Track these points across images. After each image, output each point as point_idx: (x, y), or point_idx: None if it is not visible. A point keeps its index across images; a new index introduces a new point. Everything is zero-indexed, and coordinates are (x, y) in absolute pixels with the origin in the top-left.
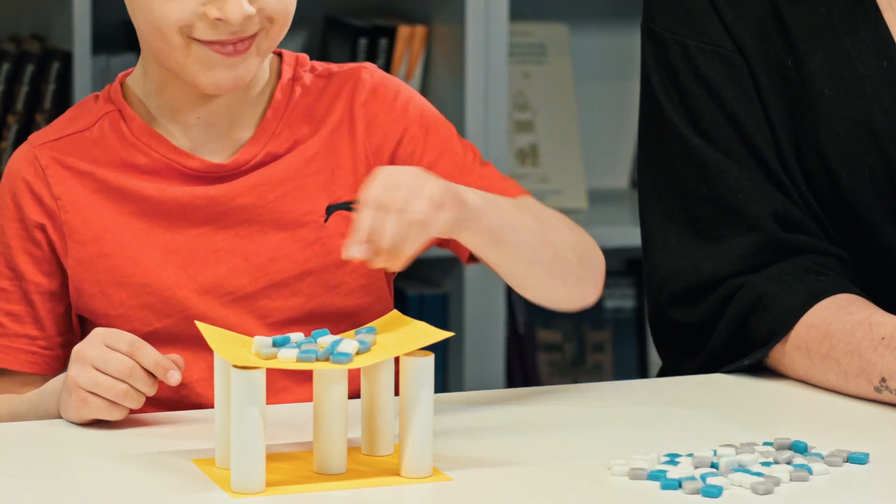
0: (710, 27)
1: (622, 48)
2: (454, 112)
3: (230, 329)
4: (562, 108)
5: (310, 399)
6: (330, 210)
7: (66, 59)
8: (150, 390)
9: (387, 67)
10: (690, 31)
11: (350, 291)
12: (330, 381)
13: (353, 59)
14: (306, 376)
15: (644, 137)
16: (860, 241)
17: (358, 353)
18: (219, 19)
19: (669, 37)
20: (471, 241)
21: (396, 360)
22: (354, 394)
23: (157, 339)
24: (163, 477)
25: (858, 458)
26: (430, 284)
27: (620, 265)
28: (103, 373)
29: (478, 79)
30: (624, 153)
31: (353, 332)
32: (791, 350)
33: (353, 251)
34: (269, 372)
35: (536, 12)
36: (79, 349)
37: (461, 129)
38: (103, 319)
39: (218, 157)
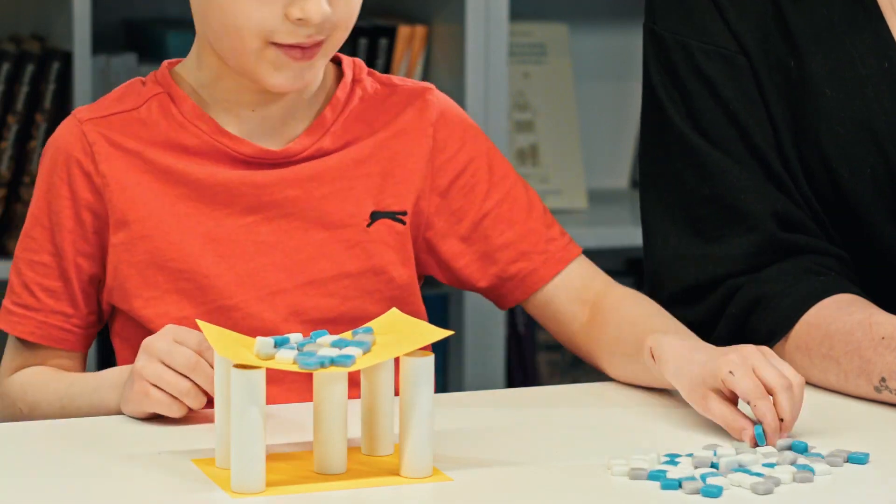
0: (712, 27)
1: (622, 48)
2: None
3: (263, 323)
4: (562, 108)
5: (295, 398)
6: (375, 217)
7: (66, 59)
8: (213, 391)
9: (387, 67)
10: (692, 32)
11: (384, 299)
12: (330, 381)
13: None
14: (293, 377)
15: (645, 137)
16: (861, 241)
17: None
18: (300, 19)
19: (671, 37)
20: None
21: (396, 360)
22: (354, 393)
23: (189, 324)
24: (163, 477)
25: (858, 458)
26: (430, 284)
27: (620, 265)
28: (169, 367)
29: (478, 79)
30: (624, 153)
31: (350, 332)
32: (791, 350)
33: (772, 441)
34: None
35: (536, 12)
36: (148, 341)
37: None
38: (137, 301)
39: (269, 146)
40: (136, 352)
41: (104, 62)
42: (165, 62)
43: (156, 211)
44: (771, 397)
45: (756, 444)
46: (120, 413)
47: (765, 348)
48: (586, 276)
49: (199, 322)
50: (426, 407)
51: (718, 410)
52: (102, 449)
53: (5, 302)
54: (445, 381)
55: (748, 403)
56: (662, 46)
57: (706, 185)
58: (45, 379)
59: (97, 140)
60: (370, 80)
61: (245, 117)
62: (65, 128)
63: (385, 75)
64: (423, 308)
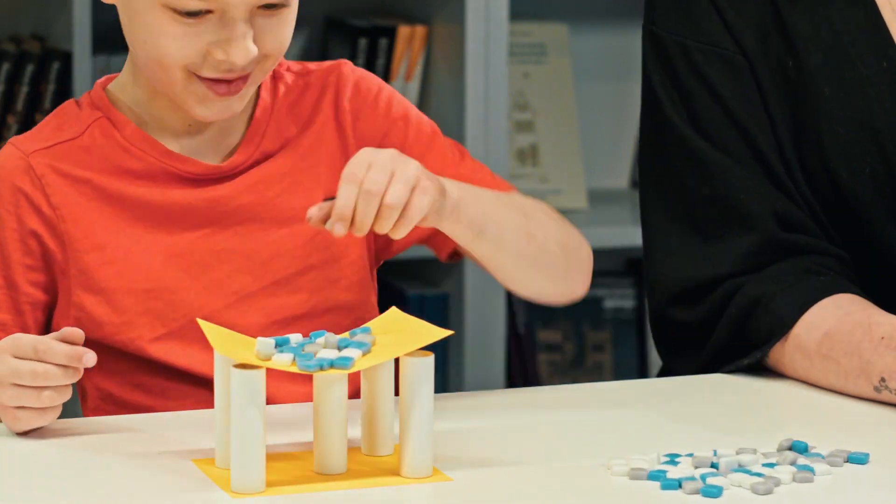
0: (711, 27)
1: (622, 48)
2: (454, 112)
3: (235, 329)
4: (562, 107)
5: (292, 398)
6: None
7: (66, 59)
8: (73, 380)
9: (387, 67)
10: (691, 32)
11: (350, 286)
12: (330, 382)
13: (353, 59)
14: (291, 377)
15: (645, 138)
16: (861, 241)
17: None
18: (223, 61)
19: (670, 38)
20: (452, 231)
21: (396, 360)
22: (354, 394)
23: (165, 342)
24: (163, 477)
25: (858, 459)
26: (430, 284)
27: (620, 265)
28: (20, 386)
29: (478, 79)
30: (624, 153)
31: (347, 333)
32: (791, 350)
33: (336, 228)
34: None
35: (536, 12)
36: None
37: (461, 130)
38: (108, 328)
39: (212, 160)
40: (106, 374)
41: (104, 62)
42: (99, 81)
43: (112, 236)
44: (358, 188)
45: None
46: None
47: (410, 161)
48: None
49: (200, 321)
50: (426, 407)
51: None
52: (102, 449)
53: None
54: (445, 381)
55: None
56: (661, 47)
57: (706, 185)
58: None
59: (46, 172)
60: (289, 74)
61: (183, 132)
62: (7, 160)
63: (301, 65)
64: (373, 287)
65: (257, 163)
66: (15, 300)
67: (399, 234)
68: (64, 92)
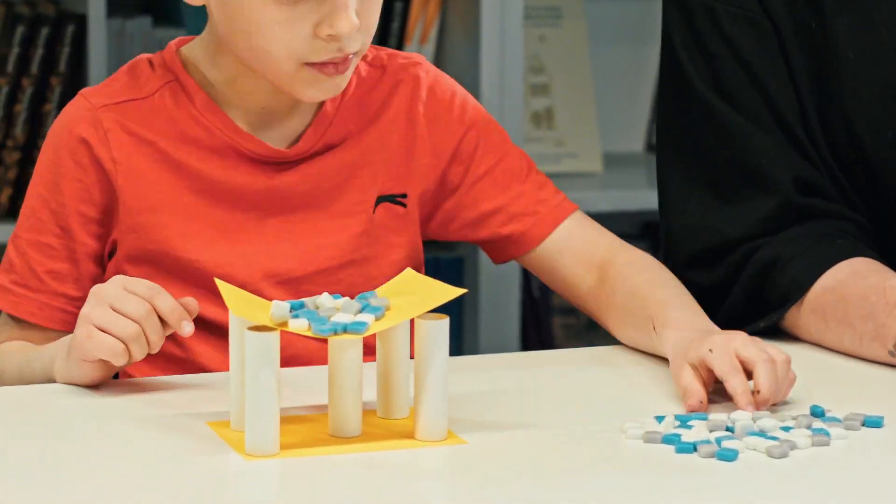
0: None
1: (637, 11)
2: (469, 76)
3: None
4: (577, 71)
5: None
6: (379, 201)
7: (81, 21)
8: (159, 341)
9: (401, 32)
10: None
11: None
12: (344, 346)
13: None
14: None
15: (664, 100)
16: (882, 205)
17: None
18: (330, 35)
19: (691, 1)
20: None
21: (412, 323)
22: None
23: (202, 303)
24: (177, 440)
25: (874, 422)
26: (444, 247)
27: (636, 228)
28: (118, 312)
29: (493, 42)
30: (639, 116)
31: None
32: (807, 313)
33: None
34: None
35: None
36: (97, 288)
37: (476, 94)
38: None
39: (278, 142)
40: None
41: (119, 25)
42: (172, 43)
43: (166, 201)
44: (743, 374)
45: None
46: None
47: (755, 338)
48: (588, 237)
49: (217, 281)
50: (441, 370)
51: (684, 378)
52: (117, 412)
53: (2, 279)
54: (460, 344)
55: (723, 381)
56: (686, 9)
57: (726, 148)
58: (15, 349)
59: (112, 127)
60: (362, 64)
61: (253, 113)
62: (76, 110)
63: (376, 53)
64: None
65: (319, 153)
66: (71, 250)
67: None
68: (79, 55)
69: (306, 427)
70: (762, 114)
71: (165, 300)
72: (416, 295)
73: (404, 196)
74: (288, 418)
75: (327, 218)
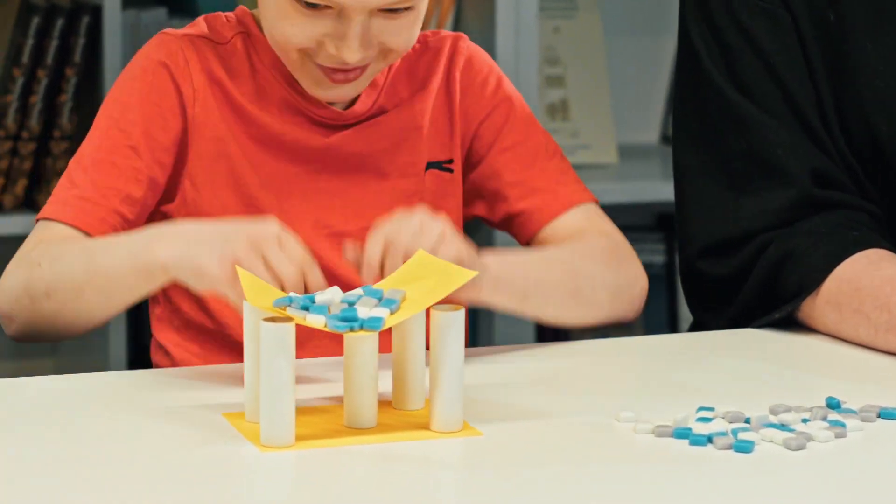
0: None
1: (652, 2)
2: None
3: (322, 261)
4: (592, 62)
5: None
6: (429, 167)
7: (96, 12)
8: (278, 282)
9: None
10: None
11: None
12: (360, 340)
13: None
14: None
15: (681, 91)
16: None
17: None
18: (332, 55)
19: None
20: (493, 302)
21: (427, 314)
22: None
23: None
24: (192, 430)
25: (890, 414)
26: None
27: (650, 220)
28: (271, 269)
29: (508, 34)
30: (654, 108)
31: (360, 289)
32: (822, 304)
33: (365, 276)
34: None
35: None
36: (251, 230)
37: None
38: (205, 214)
39: (337, 103)
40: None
41: (134, 16)
42: (241, 7)
43: (228, 141)
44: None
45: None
46: (168, 275)
47: (436, 221)
48: (586, 222)
49: (238, 269)
50: (456, 361)
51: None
52: (133, 402)
53: (57, 193)
54: (476, 335)
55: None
56: (701, 1)
57: (743, 139)
58: (76, 236)
59: (193, 58)
60: None
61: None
62: (159, 41)
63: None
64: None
65: (372, 116)
66: (136, 169)
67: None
68: (94, 46)
69: (321, 418)
70: (779, 106)
71: (316, 276)
72: (430, 279)
73: (450, 161)
74: (303, 409)
75: (379, 179)
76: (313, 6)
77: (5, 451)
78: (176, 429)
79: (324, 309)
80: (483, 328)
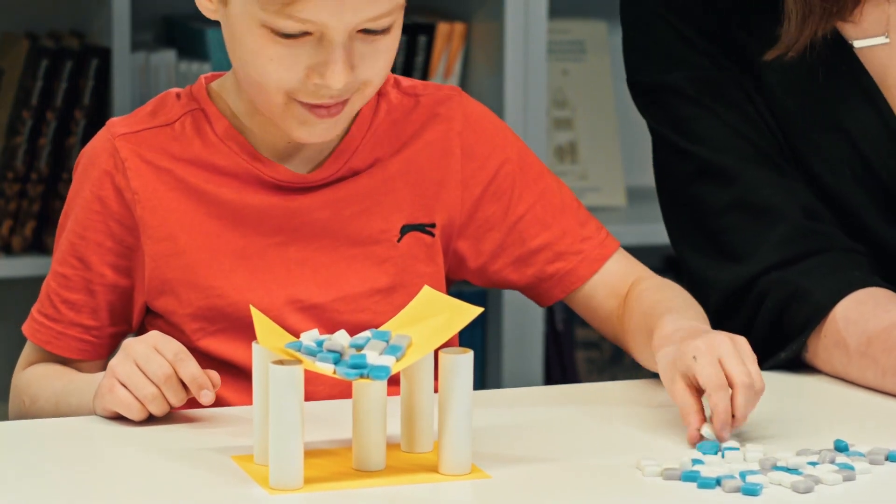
0: (683, 54)
1: None
2: (493, 109)
3: (296, 336)
4: (601, 105)
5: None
6: (405, 230)
7: (105, 55)
8: (178, 402)
9: (426, 65)
10: (665, 66)
11: None
12: (369, 385)
13: None
14: None
15: (659, 178)
16: (862, 240)
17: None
18: (320, 85)
19: (651, 81)
20: None
21: (436, 356)
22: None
23: (224, 336)
24: (202, 473)
25: None
26: (468, 281)
27: (659, 262)
28: (141, 371)
29: (517, 76)
30: None
31: (368, 332)
32: (829, 346)
33: (722, 435)
34: None
35: (575, 10)
36: (128, 342)
37: None
38: (173, 317)
39: (299, 167)
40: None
41: (143, 59)
42: (203, 77)
43: (186, 228)
44: (729, 391)
45: (697, 442)
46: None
47: (739, 338)
48: (623, 271)
49: (253, 309)
50: (465, 404)
51: (679, 395)
52: (142, 444)
53: (33, 308)
54: (484, 377)
55: (707, 394)
56: (647, 92)
57: (726, 192)
58: (49, 374)
59: (129, 156)
60: (395, 92)
61: (278, 139)
62: (98, 140)
63: (411, 83)
64: None
65: (342, 178)
66: (88, 280)
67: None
68: (103, 88)
69: (330, 461)
70: (753, 155)
71: (188, 367)
72: (436, 318)
73: (433, 226)
74: (311, 452)
75: (349, 245)
76: (292, 36)
77: (14, 492)
78: (185, 471)
79: (334, 355)
80: (491, 370)
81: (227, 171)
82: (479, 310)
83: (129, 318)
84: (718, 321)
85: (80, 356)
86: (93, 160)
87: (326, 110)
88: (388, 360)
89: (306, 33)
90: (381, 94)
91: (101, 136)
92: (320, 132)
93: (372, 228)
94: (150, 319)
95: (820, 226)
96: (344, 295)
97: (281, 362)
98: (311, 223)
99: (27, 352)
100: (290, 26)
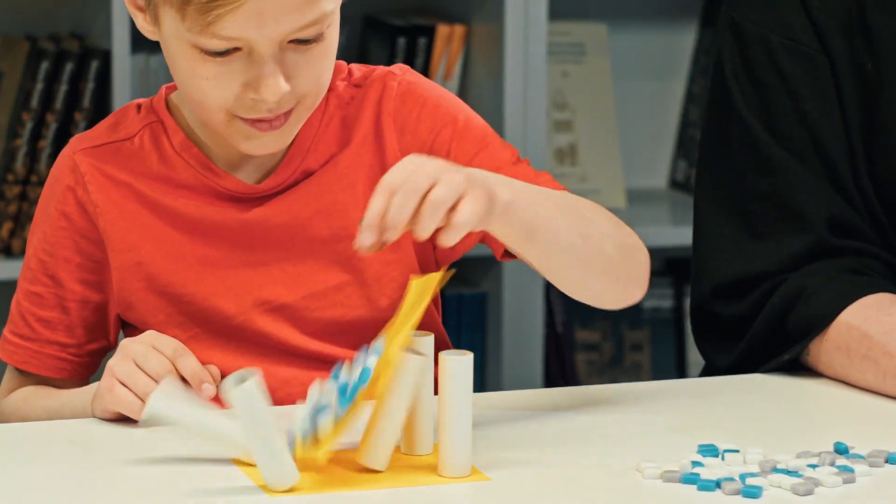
0: (796, 22)
1: (661, 48)
2: (493, 111)
3: (271, 339)
4: (601, 107)
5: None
6: None
7: (106, 57)
8: None
9: (426, 67)
10: (775, 25)
11: (391, 304)
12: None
13: (392, 58)
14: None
15: (708, 127)
16: None
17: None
18: (256, 100)
19: (752, 29)
20: (501, 233)
21: (436, 358)
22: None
23: (198, 342)
24: (202, 477)
25: None
26: (468, 283)
27: (659, 265)
28: (141, 369)
29: (517, 78)
30: (663, 153)
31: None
32: (831, 349)
33: (363, 238)
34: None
35: (575, 12)
36: (125, 342)
37: (500, 129)
38: (145, 327)
39: (253, 174)
40: None
41: (143, 61)
42: (164, 87)
43: (148, 238)
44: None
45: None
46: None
47: (458, 171)
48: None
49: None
50: (465, 407)
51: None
52: (142, 448)
53: (4, 330)
54: (484, 380)
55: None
56: (741, 36)
57: (765, 180)
58: (38, 394)
59: (88, 170)
60: (344, 85)
61: (230, 150)
62: (61, 157)
63: (362, 71)
64: (436, 312)
65: (297, 182)
66: (60, 297)
67: (448, 242)
68: (103, 91)
69: (331, 463)
70: (806, 150)
71: (188, 361)
72: (411, 311)
73: None
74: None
75: (313, 245)
76: (222, 53)
77: (13, 494)
78: (186, 475)
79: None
80: (491, 372)
81: (184, 184)
82: (440, 274)
83: (106, 332)
84: (718, 297)
85: (59, 374)
86: (56, 177)
87: (268, 124)
88: (370, 362)
89: (236, 49)
90: (329, 89)
91: (64, 152)
92: (268, 144)
93: (332, 227)
94: (128, 332)
95: (843, 242)
96: (313, 292)
97: (239, 379)
98: (271, 230)
99: (7, 379)
100: (217, 44)
